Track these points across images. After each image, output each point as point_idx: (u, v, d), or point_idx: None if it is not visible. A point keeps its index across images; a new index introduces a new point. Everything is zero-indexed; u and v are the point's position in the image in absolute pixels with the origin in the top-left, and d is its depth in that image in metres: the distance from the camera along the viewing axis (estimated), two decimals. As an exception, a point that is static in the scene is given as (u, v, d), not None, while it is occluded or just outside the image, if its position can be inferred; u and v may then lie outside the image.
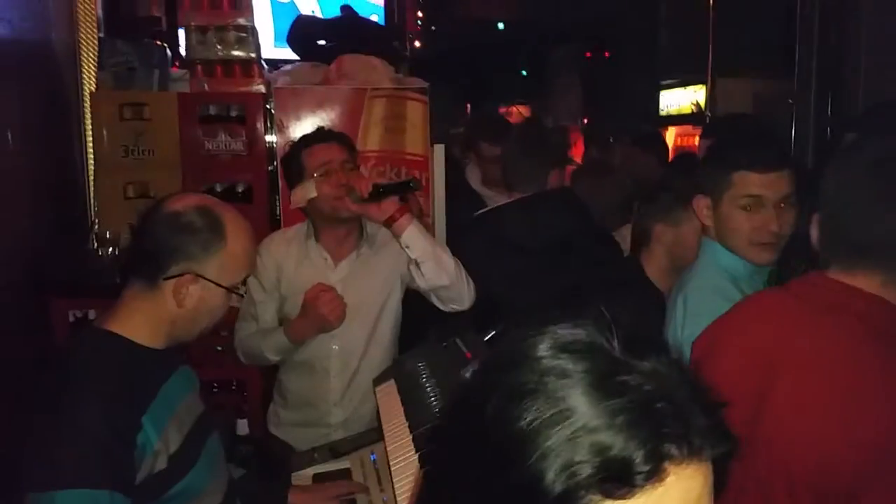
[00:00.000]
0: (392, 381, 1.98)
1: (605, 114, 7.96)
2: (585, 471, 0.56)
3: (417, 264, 2.12)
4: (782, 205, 1.65)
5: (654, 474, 0.56)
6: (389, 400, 1.86)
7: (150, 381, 1.37)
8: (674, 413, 0.59)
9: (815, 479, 1.12)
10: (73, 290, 2.84)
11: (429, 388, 1.76)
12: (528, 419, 0.59)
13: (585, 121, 9.17)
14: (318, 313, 2.10)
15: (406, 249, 2.12)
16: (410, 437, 1.57)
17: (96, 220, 3.14)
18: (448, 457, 0.67)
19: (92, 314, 2.71)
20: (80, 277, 2.90)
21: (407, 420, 1.66)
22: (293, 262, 2.25)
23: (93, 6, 3.42)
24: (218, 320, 1.48)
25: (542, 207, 2.65)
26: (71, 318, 2.76)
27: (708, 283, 1.72)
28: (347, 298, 2.14)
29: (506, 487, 0.59)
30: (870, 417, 1.09)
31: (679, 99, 6.64)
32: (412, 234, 2.10)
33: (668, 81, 6.84)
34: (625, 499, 0.56)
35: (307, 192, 2.16)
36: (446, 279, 2.13)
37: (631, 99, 8.00)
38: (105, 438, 1.24)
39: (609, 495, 0.56)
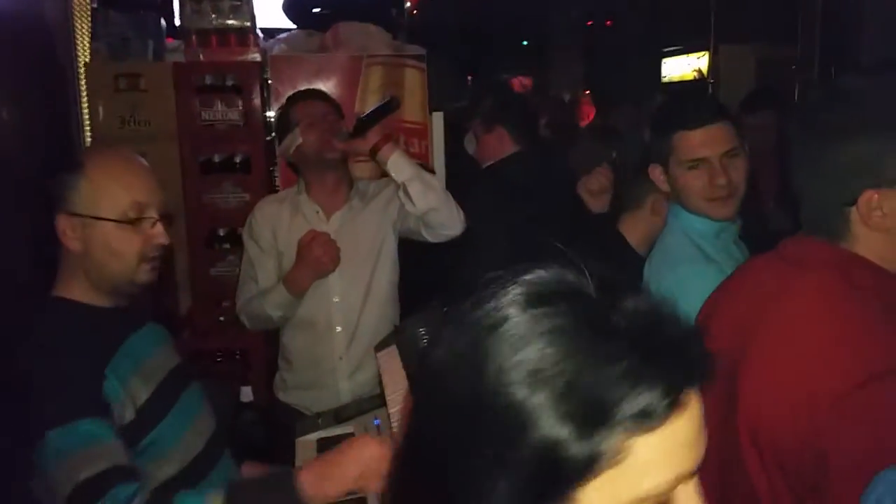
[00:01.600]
0: (393, 347, 1.98)
1: (608, 82, 7.88)
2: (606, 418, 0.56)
3: (406, 191, 2.18)
4: (727, 157, 1.68)
5: (672, 408, 0.58)
6: (391, 365, 1.86)
7: (109, 338, 1.39)
8: (671, 347, 0.59)
9: (775, 433, 1.12)
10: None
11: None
12: (527, 382, 0.57)
13: (587, 91, 9.09)
14: (313, 256, 2.16)
15: (393, 175, 2.19)
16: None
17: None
18: (438, 434, 0.63)
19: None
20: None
21: (409, 384, 1.66)
22: (286, 218, 2.32)
23: (85, -25, 3.38)
24: (134, 258, 1.40)
25: (546, 158, 2.70)
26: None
27: (670, 248, 1.77)
28: (342, 249, 2.22)
29: (522, 457, 0.57)
30: (835, 369, 1.07)
31: (682, 66, 6.57)
32: (397, 159, 2.18)
33: (671, 49, 6.76)
34: (649, 433, 0.58)
35: (293, 140, 2.27)
36: (434, 200, 2.18)
37: (633, 67, 7.92)
38: (74, 380, 1.28)
39: (633, 434, 0.57)
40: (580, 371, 0.57)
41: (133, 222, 1.38)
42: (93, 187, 1.37)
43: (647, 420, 0.57)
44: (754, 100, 3.46)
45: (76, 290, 1.40)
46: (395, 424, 1.54)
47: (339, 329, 2.29)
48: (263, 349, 2.86)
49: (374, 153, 2.20)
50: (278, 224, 2.31)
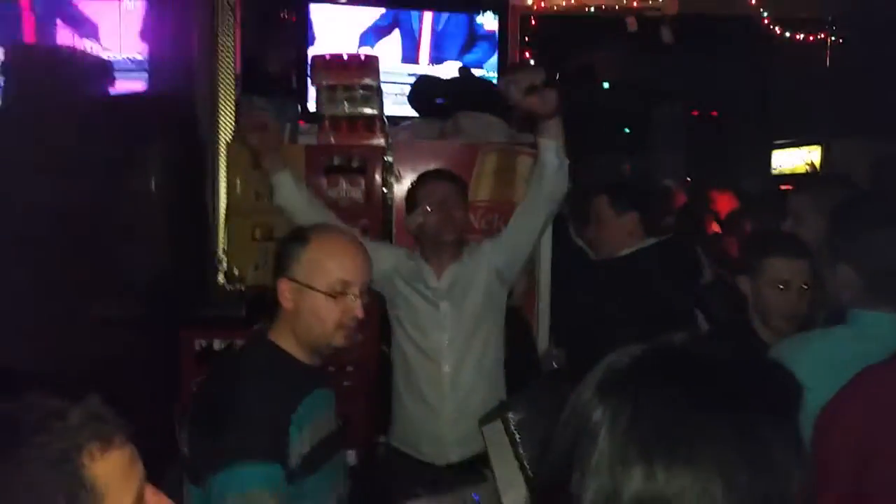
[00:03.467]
0: (499, 422, 2.03)
1: (711, 172, 7.84)
2: None
3: (554, 153, 2.30)
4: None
5: None
6: (497, 441, 1.92)
7: (299, 387, 1.57)
8: None
9: None
10: (201, 322, 3.06)
11: (540, 430, 1.80)
12: None
13: (689, 179, 9.03)
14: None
15: (553, 141, 2.30)
16: (522, 477, 1.62)
17: (225, 260, 3.38)
18: None
19: (216, 344, 2.91)
20: (208, 312, 3.12)
21: (518, 461, 1.71)
22: (405, 264, 2.53)
23: (232, 64, 3.74)
24: (332, 325, 1.61)
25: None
26: (197, 347, 2.95)
27: None
28: (452, 301, 2.44)
29: None
30: None
31: (793, 159, 6.48)
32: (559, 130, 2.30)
33: (782, 141, 6.69)
34: None
35: (415, 219, 2.47)
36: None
37: (740, 158, 7.86)
38: (269, 420, 1.46)
39: None
40: None
41: (336, 296, 1.60)
42: (311, 260, 1.62)
43: None
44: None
45: (285, 340, 1.63)
46: (504, 499, 1.59)
47: (446, 369, 2.42)
48: (366, 415, 2.96)
49: (548, 116, 2.26)
50: (400, 265, 2.51)
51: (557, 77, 2.29)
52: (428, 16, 4.48)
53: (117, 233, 2.80)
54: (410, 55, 4.47)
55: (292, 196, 2.49)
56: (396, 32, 4.45)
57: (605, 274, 2.87)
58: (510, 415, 1.99)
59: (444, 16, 4.50)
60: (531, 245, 2.55)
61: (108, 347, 2.55)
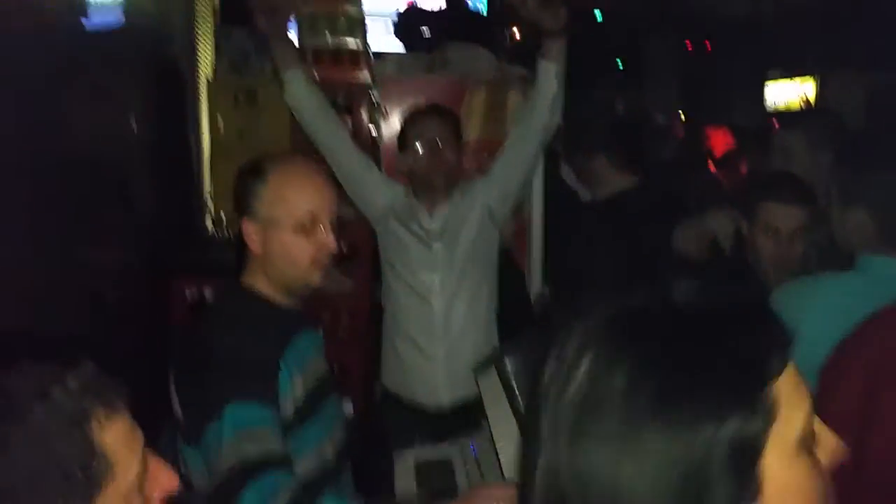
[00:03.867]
0: (493, 370, 2.01)
1: (704, 106, 7.74)
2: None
3: (553, 75, 2.27)
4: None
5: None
6: (492, 391, 1.89)
7: (284, 332, 1.49)
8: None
9: None
10: (190, 270, 2.99)
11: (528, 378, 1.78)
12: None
13: (682, 114, 8.93)
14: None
15: (554, 62, 2.27)
16: (516, 423, 1.60)
17: (212, 203, 3.30)
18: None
19: (208, 293, 2.85)
20: (196, 258, 3.05)
21: (513, 410, 1.69)
22: (401, 198, 2.46)
23: (210, -5, 3.59)
24: (306, 263, 1.50)
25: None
26: (188, 298, 2.90)
27: None
28: (446, 244, 2.38)
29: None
30: None
31: (787, 93, 6.38)
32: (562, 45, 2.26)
33: (774, 73, 6.57)
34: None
35: (407, 159, 2.39)
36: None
37: (733, 92, 7.74)
38: (256, 364, 1.40)
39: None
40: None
41: (306, 231, 1.49)
42: (272, 196, 1.48)
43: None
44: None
45: (260, 284, 1.52)
46: (500, 448, 1.58)
47: (438, 310, 2.39)
48: (361, 364, 2.95)
49: (557, 32, 2.23)
50: (396, 203, 2.45)
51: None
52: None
53: (96, 176, 2.71)
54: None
55: (303, 95, 2.34)
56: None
57: (595, 216, 2.81)
58: (505, 362, 1.97)
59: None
60: (523, 179, 2.48)
61: (92, 300, 2.48)
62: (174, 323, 2.88)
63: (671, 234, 2.48)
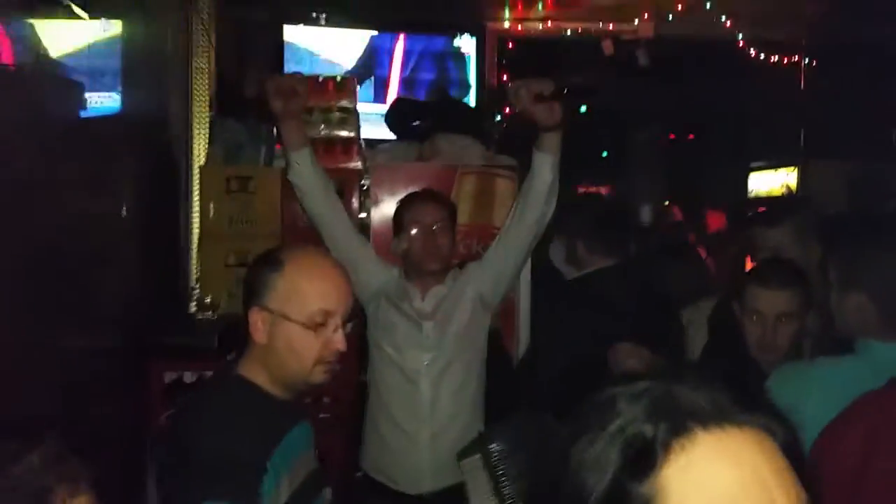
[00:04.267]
0: (478, 457, 1.97)
1: (690, 195, 7.89)
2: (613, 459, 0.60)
3: (548, 167, 2.25)
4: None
5: (672, 442, 0.59)
6: (476, 477, 1.86)
7: (277, 427, 1.43)
8: (690, 395, 0.62)
9: None
10: (171, 353, 2.95)
11: (521, 465, 1.74)
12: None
13: (668, 203, 9.09)
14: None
15: (550, 155, 2.25)
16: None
17: (197, 287, 3.30)
18: None
19: (187, 376, 2.81)
20: (178, 341, 3.02)
21: (497, 497, 1.65)
22: (393, 282, 2.46)
23: (206, 87, 3.69)
24: (311, 360, 1.45)
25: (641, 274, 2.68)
26: (166, 380, 2.85)
27: None
28: (438, 322, 2.37)
29: None
30: None
31: (769, 182, 6.53)
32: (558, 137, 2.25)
33: (758, 164, 6.75)
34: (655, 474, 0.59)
35: (400, 244, 2.40)
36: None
37: (717, 182, 7.91)
38: (241, 463, 1.32)
39: (636, 475, 0.59)
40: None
41: (316, 328, 1.43)
42: (287, 288, 1.43)
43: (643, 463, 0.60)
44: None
45: (256, 375, 1.46)
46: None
47: (424, 391, 2.35)
48: (343, 450, 2.88)
49: (555, 126, 2.21)
50: (389, 284, 2.44)
51: (566, 92, 2.23)
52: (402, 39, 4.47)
53: (85, 258, 2.71)
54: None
55: (309, 175, 2.34)
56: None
57: (565, 293, 2.83)
58: (491, 448, 1.93)
59: (422, 39, 4.50)
60: (516, 266, 2.48)
61: (72, 379, 2.44)
62: (153, 403, 2.82)
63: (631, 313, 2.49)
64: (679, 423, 0.60)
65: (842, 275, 1.57)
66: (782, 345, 1.99)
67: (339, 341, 1.45)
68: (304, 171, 2.33)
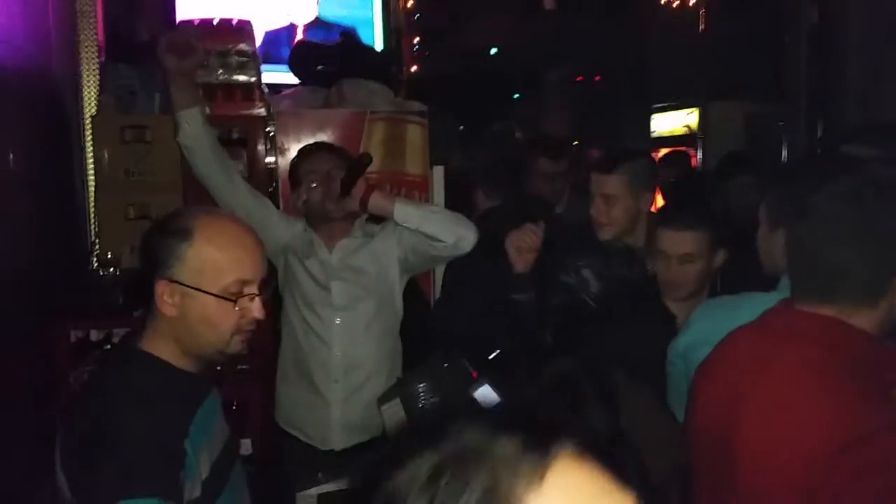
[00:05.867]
0: (398, 401, 1.99)
1: (595, 135, 8.05)
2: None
3: (426, 233, 2.24)
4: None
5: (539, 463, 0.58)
6: (396, 419, 1.87)
7: (187, 405, 1.36)
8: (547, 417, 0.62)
9: (774, 495, 1.16)
10: (75, 311, 2.84)
11: (433, 408, 1.77)
12: None
13: (575, 143, 9.26)
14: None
15: (405, 224, 2.26)
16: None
17: (97, 242, 3.15)
18: None
19: (94, 335, 2.71)
20: (81, 298, 2.90)
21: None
22: (300, 235, 2.43)
23: (94, 31, 3.46)
24: (228, 331, 1.38)
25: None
26: (72, 339, 2.74)
27: None
28: (346, 278, 2.35)
29: None
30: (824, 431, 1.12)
31: (671, 122, 6.73)
32: (401, 208, 2.26)
33: (661, 105, 6.94)
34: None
35: (299, 197, 2.37)
36: (457, 227, 2.26)
37: (622, 122, 8.10)
38: (157, 450, 1.24)
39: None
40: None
41: (233, 298, 1.36)
42: (199, 259, 1.34)
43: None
44: (727, 165, 3.54)
45: (163, 349, 1.38)
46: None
47: (337, 352, 2.33)
48: (261, 401, 2.85)
49: (364, 206, 2.26)
50: (295, 239, 2.42)
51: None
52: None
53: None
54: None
55: (199, 137, 2.24)
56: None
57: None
58: (409, 391, 1.95)
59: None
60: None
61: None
62: (59, 363, 2.72)
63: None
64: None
65: (771, 213, 1.64)
66: (685, 283, 2.09)
67: (256, 310, 1.39)
68: (194, 131, 2.22)
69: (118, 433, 1.23)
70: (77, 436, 1.29)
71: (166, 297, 1.35)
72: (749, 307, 1.64)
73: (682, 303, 2.14)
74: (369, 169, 3.08)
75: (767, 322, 1.31)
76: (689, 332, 1.81)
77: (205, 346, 1.39)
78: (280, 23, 4.31)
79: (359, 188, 2.24)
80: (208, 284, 1.34)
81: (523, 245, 2.24)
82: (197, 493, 1.29)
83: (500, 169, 3.34)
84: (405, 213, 2.26)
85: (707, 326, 1.65)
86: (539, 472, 0.58)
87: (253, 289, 1.39)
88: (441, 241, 2.24)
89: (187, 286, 1.34)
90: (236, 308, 1.36)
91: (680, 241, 2.08)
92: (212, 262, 1.35)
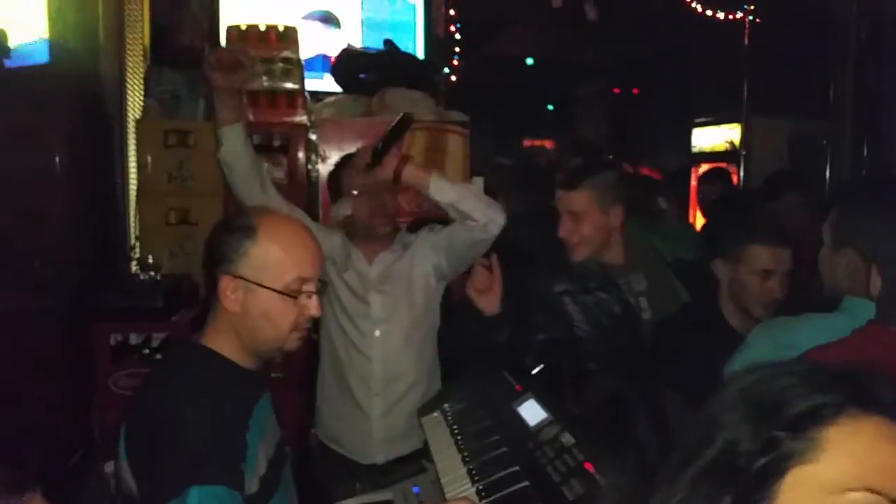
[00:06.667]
0: (438, 414, 1.96)
1: (634, 149, 7.98)
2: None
3: (458, 210, 2.13)
4: None
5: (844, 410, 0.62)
6: (437, 433, 1.84)
7: (247, 401, 1.39)
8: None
9: None
10: (115, 314, 2.85)
11: (480, 422, 1.73)
12: None
13: (611, 157, 9.19)
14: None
15: (437, 198, 2.14)
16: (465, 469, 1.54)
17: (137, 245, 3.17)
18: None
19: (133, 338, 2.72)
20: (121, 302, 2.91)
21: (460, 454, 1.64)
22: (339, 247, 2.35)
23: (140, 36, 3.50)
24: (287, 327, 1.42)
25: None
26: (112, 342, 2.75)
27: None
28: (387, 290, 2.29)
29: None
30: None
31: (713, 137, 6.63)
32: (436, 182, 2.14)
33: (702, 119, 6.84)
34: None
35: (342, 209, 2.31)
36: (488, 209, 2.16)
37: (660, 136, 8.01)
38: (223, 442, 1.27)
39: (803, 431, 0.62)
40: None
41: (294, 295, 1.40)
42: (262, 255, 1.39)
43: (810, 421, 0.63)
44: (776, 184, 3.45)
45: (223, 345, 1.42)
46: (448, 493, 1.52)
47: (377, 365, 2.29)
48: (296, 409, 2.84)
49: (397, 179, 2.14)
50: (335, 251, 2.33)
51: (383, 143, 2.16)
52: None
53: (19, 216, 2.57)
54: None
55: (240, 153, 2.19)
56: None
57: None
58: (447, 406, 1.92)
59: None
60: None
61: (9, 344, 2.33)
62: (99, 366, 2.73)
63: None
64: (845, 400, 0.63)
65: (835, 233, 1.57)
66: (778, 298, 2.03)
67: (314, 307, 1.44)
68: (235, 148, 2.18)
69: (184, 423, 1.27)
70: (144, 426, 1.34)
71: (230, 291, 1.39)
72: (809, 329, 1.59)
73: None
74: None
75: (857, 343, 1.26)
76: (748, 352, 1.75)
77: (264, 341, 1.42)
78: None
79: (392, 158, 2.11)
80: (271, 281, 1.39)
81: (479, 286, 2.08)
82: (255, 488, 1.31)
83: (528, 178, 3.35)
84: (441, 186, 2.15)
85: (766, 347, 1.60)
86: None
87: (311, 286, 1.43)
88: (474, 219, 2.16)
89: (250, 282, 1.38)
90: (295, 305, 1.40)
91: (786, 258, 2.02)
92: (275, 260, 1.40)
